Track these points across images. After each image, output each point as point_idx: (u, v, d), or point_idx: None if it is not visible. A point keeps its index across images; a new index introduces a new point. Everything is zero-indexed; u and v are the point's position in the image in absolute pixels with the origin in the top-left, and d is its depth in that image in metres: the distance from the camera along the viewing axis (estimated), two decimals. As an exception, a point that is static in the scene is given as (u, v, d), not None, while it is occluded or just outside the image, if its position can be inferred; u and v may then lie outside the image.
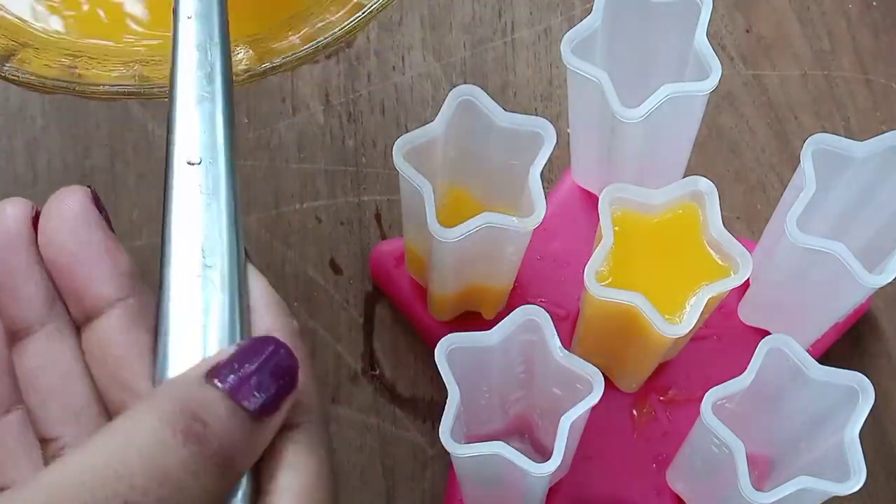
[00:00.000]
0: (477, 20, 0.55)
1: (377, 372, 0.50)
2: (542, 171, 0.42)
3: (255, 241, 0.51)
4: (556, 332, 0.40)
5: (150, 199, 0.52)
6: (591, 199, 0.49)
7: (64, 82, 0.37)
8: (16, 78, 0.37)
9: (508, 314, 0.40)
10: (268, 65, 0.38)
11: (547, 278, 0.49)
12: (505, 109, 0.42)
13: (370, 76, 0.54)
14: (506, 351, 0.41)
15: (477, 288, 0.46)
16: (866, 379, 0.39)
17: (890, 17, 0.55)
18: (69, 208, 0.28)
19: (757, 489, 0.38)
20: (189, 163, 0.29)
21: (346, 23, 0.39)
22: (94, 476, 0.25)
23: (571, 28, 0.43)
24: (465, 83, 0.43)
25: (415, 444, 0.49)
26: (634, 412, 0.47)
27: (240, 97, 0.53)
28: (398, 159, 0.41)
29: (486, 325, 0.40)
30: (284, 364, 0.28)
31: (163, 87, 0.37)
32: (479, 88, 0.42)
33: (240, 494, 0.28)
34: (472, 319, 0.48)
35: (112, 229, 0.29)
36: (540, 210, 0.41)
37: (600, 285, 0.41)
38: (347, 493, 0.48)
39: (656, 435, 0.47)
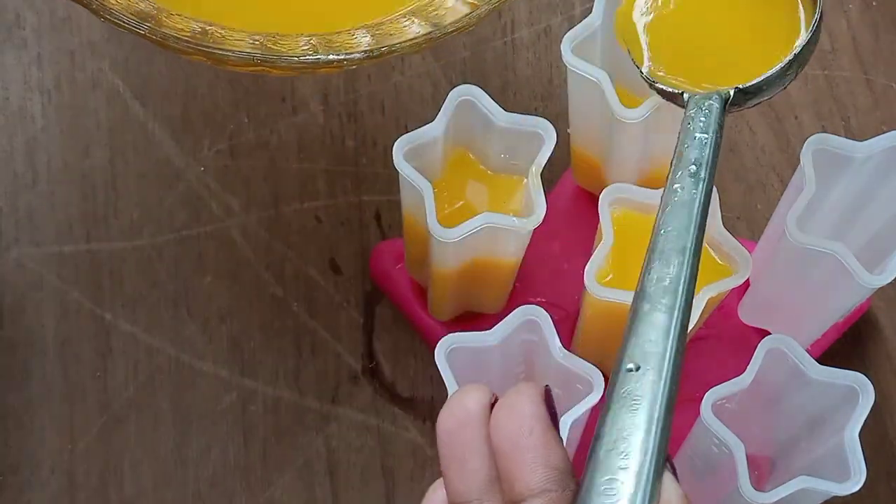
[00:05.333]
0: (477, 20, 0.55)
1: (376, 367, 0.50)
2: (542, 171, 0.42)
3: (256, 241, 0.51)
4: (556, 332, 0.40)
5: (151, 198, 0.52)
6: (591, 199, 0.49)
7: (197, 44, 0.39)
8: (153, 37, 0.39)
9: (508, 314, 0.40)
10: (385, 48, 0.40)
11: (547, 278, 0.49)
12: (505, 109, 0.42)
13: (370, 76, 0.54)
14: (505, 351, 0.40)
15: (477, 287, 0.46)
16: (866, 379, 0.39)
17: (890, 17, 0.55)
18: (521, 401, 0.30)
19: (757, 489, 0.38)
20: (628, 369, 0.31)
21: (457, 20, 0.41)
22: None
23: (571, 28, 0.43)
24: (465, 83, 0.42)
25: (415, 444, 0.49)
26: (634, 412, 0.47)
27: (239, 97, 0.53)
28: (398, 159, 0.41)
29: (486, 325, 0.40)
30: None
31: (287, 56, 0.39)
32: (479, 88, 0.42)
33: None
34: (472, 319, 0.48)
35: (557, 425, 0.31)
36: (540, 210, 0.41)
37: (600, 285, 0.41)
38: (347, 493, 0.48)
39: (656, 435, 0.47)
